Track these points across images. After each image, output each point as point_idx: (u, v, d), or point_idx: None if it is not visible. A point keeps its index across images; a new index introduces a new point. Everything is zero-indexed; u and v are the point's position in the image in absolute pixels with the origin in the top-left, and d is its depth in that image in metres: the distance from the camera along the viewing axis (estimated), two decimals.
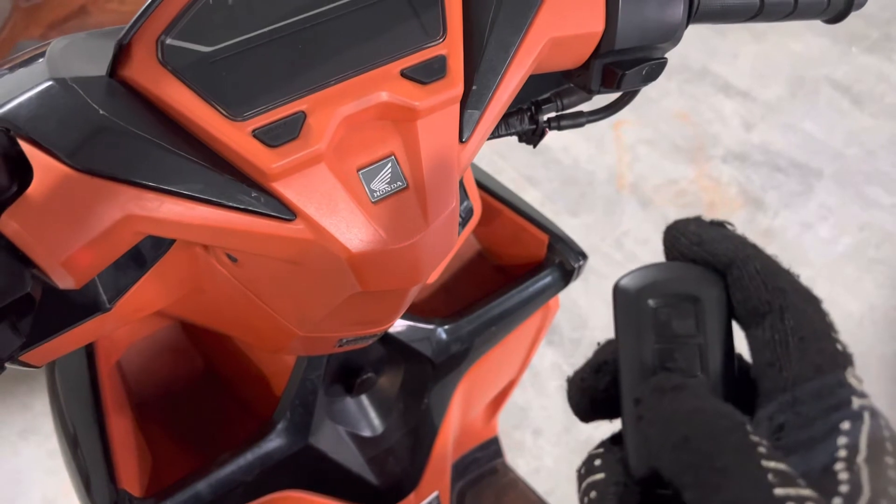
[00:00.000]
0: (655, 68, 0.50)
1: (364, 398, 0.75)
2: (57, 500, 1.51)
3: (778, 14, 0.52)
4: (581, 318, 1.81)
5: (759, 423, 0.28)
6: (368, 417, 0.75)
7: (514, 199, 0.84)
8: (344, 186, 0.40)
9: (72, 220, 0.35)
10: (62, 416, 0.67)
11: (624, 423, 0.31)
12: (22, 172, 0.34)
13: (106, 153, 0.35)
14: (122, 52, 0.37)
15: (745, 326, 0.31)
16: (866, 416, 0.26)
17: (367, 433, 0.75)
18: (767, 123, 2.25)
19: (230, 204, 0.37)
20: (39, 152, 0.34)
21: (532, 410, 1.67)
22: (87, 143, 0.34)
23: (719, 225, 0.33)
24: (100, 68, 0.37)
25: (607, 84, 0.50)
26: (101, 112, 0.35)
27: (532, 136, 0.58)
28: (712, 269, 0.31)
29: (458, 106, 0.43)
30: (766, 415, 0.27)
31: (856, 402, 0.27)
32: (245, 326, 0.56)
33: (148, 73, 0.37)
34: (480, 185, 0.83)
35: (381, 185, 0.41)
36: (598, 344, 0.35)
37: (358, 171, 0.40)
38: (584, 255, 0.80)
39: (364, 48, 0.41)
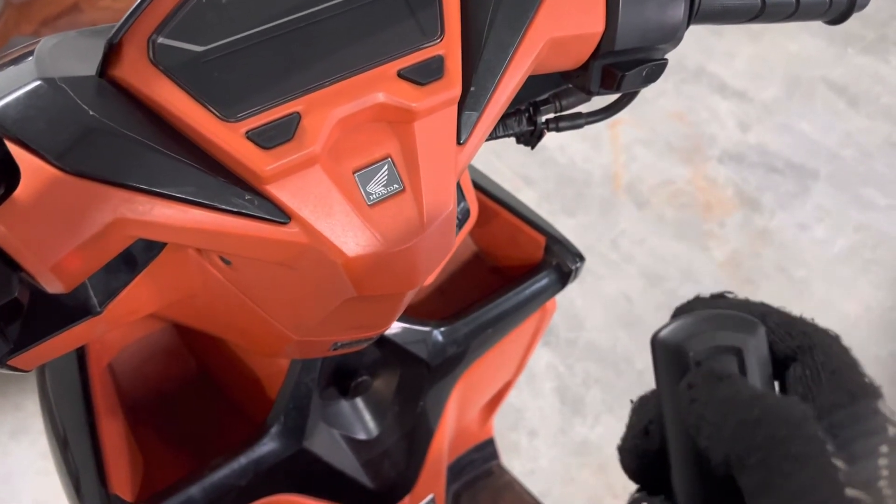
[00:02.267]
0: (655, 69, 0.49)
1: (359, 401, 0.75)
2: (48, 502, 1.49)
3: (779, 15, 0.52)
4: (577, 319, 1.80)
5: None
6: (363, 420, 0.75)
7: (511, 201, 0.83)
8: (339, 189, 0.39)
9: (61, 224, 0.34)
10: (52, 419, 0.67)
11: (673, 470, 0.30)
12: (9, 174, 0.33)
13: (96, 155, 0.34)
14: (112, 52, 0.36)
15: (779, 377, 0.31)
16: None
17: (362, 436, 0.74)
18: (763, 124, 2.25)
19: (223, 207, 0.37)
20: (27, 154, 0.33)
21: (527, 412, 1.66)
22: (77, 145, 0.34)
23: (720, 297, 0.33)
24: (90, 68, 0.36)
25: (607, 85, 0.50)
26: (90, 113, 0.34)
27: (530, 138, 0.57)
28: (749, 315, 0.31)
29: (455, 107, 0.42)
30: None
31: (891, 430, 0.27)
32: (239, 330, 0.55)
33: (139, 73, 0.36)
34: (477, 186, 0.82)
35: (377, 187, 0.40)
36: (632, 402, 0.34)
37: (354, 173, 0.40)
38: (581, 257, 0.80)
39: (360, 48, 0.40)
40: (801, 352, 0.29)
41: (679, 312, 0.33)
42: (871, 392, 0.28)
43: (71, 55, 0.38)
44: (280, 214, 0.38)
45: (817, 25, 0.57)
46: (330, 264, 0.40)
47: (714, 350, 0.30)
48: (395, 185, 0.40)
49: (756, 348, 0.30)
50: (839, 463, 0.25)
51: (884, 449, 0.26)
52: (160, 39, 0.36)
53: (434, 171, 0.41)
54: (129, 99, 0.36)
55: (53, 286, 0.36)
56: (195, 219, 0.36)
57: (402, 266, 0.41)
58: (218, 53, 0.37)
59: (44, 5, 1.80)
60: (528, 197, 2.05)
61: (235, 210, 0.37)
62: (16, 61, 0.37)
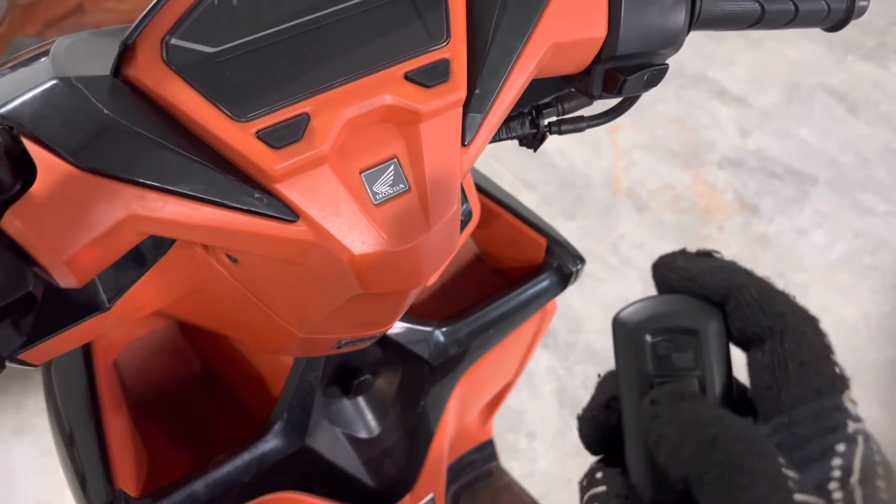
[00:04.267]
0: (656, 74, 0.50)
1: (361, 400, 0.75)
2: (50, 500, 1.50)
3: (779, 22, 0.53)
4: (576, 322, 1.81)
5: None
6: (365, 419, 0.75)
7: (513, 203, 0.84)
8: (346, 188, 0.40)
9: (75, 219, 0.35)
10: (58, 415, 0.67)
11: (627, 447, 0.32)
12: (25, 171, 0.34)
13: (110, 152, 0.35)
14: (126, 52, 0.37)
15: (745, 350, 0.31)
16: (860, 439, 0.27)
17: (363, 435, 0.75)
18: (763, 130, 2.26)
19: (233, 205, 0.37)
20: (43, 151, 0.34)
21: (527, 413, 1.67)
22: (91, 142, 0.34)
23: (707, 255, 0.33)
24: (104, 68, 0.37)
25: (608, 89, 0.51)
26: (105, 111, 0.35)
27: (532, 140, 0.58)
28: (709, 300, 0.32)
29: (460, 109, 0.43)
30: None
31: (851, 426, 0.27)
32: (244, 327, 0.56)
33: (152, 73, 0.37)
34: (479, 188, 0.83)
35: (383, 187, 0.41)
36: (599, 376, 0.35)
37: (360, 173, 0.41)
38: (581, 259, 0.80)
39: (368, 50, 0.41)
40: (772, 336, 0.29)
41: (661, 262, 0.33)
42: (837, 386, 0.28)
43: (85, 55, 0.39)
44: (288, 213, 0.39)
45: (816, 32, 0.58)
46: (336, 262, 0.41)
47: (671, 331, 0.31)
48: (401, 185, 0.41)
49: (714, 332, 0.31)
50: (790, 472, 0.26)
51: (840, 448, 0.26)
52: (173, 40, 0.37)
53: (439, 172, 0.42)
54: (143, 98, 0.37)
55: (67, 280, 0.36)
56: (205, 216, 0.37)
57: (407, 264, 0.42)
58: (229, 55, 0.38)
59: (48, 6, 1.81)
60: (529, 200, 2.06)
61: (245, 208, 0.38)
62: (31, 61, 0.38)
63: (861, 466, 0.26)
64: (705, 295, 0.31)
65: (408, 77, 0.41)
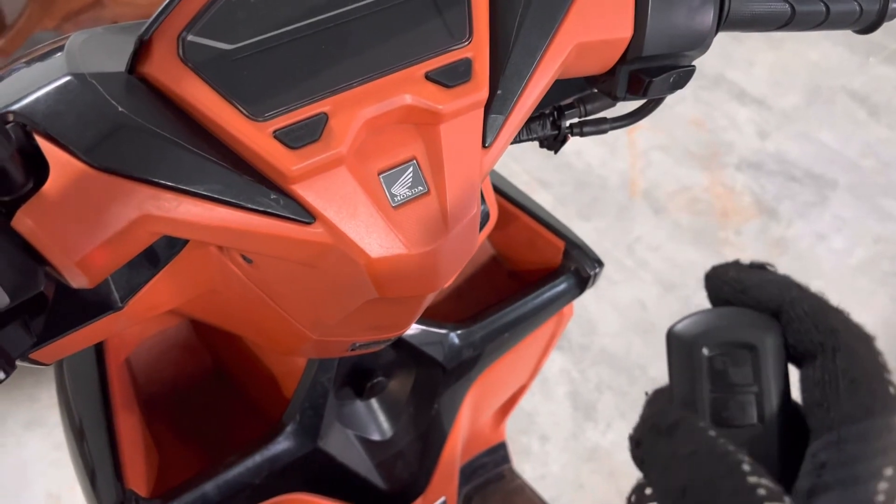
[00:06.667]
0: (683, 76, 0.49)
1: (374, 402, 0.75)
2: (61, 494, 1.50)
3: (809, 23, 0.51)
4: (590, 324, 1.80)
5: (806, 460, 0.27)
6: (378, 421, 0.75)
7: (530, 204, 0.83)
8: (364, 190, 0.39)
9: (87, 219, 0.34)
10: (70, 412, 0.67)
11: None
12: (38, 169, 0.33)
13: (124, 151, 0.34)
14: (142, 48, 0.36)
15: (798, 366, 0.30)
16: None
17: (376, 437, 0.74)
18: (783, 132, 2.24)
19: (249, 206, 0.37)
20: (56, 149, 0.33)
21: (539, 416, 1.66)
22: (105, 141, 0.34)
23: (760, 267, 0.33)
24: (119, 64, 0.36)
25: (633, 91, 0.49)
26: (119, 109, 0.34)
27: (553, 142, 0.57)
28: (766, 313, 0.31)
29: (482, 110, 0.42)
30: (811, 452, 0.27)
31: None
32: (257, 328, 0.55)
33: (168, 70, 0.36)
34: (496, 189, 0.82)
35: (401, 189, 0.40)
36: (647, 394, 0.34)
37: (379, 174, 0.40)
38: (600, 263, 0.79)
39: (389, 49, 0.40)
40: (824, 352, 0.29)
41: (713, 272, 0.33)
42: (890, 406, 0.27)
43: (101, 51, 0.38)
44: (305, 214, 0.38)
45: (839, 34, 0.57)
46: (353, 265, 0.40)
47: (728, 346, 0.31)
48: (420, 188, 0.40)
49: (773, 346, 0.30)
50: (762, 491, 0.25)
51: (888, 472, 0.26)
52: (190, 37, 0.36)
53: (459, 174, 0.41)
54: (158, 96, 0.36)
55: (78, 281, 0.36)
56: (220, 217, 0.36)
57: (425, 268, 0.41)
58: (247, 52, 0.37)
59: (66, 1, 1.81)
60: (544, 200, 2.04)
61: (261, 209, 0.37)
62: (46, 56, 0.37)
63: None
64: (757, 309, 0.31)
65: (429, 77, 0.40)
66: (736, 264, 0.33)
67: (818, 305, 0.30)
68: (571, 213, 2.02)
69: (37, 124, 0.33)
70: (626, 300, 1.84)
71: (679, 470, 0.27)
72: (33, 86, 0.34)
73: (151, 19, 0.35)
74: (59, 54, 0.37)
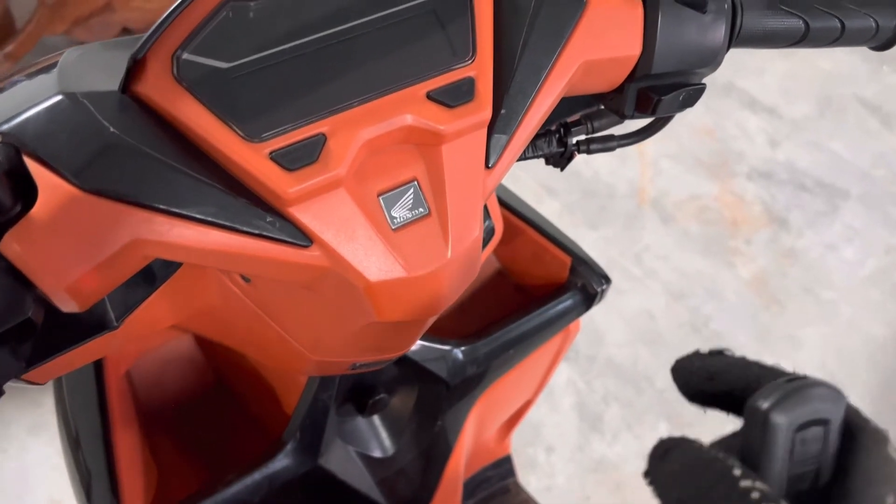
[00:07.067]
0: (693, 94, 0.48)
1: (376, 419, 0.74)
2: (63, 499, 1.50)
3: (823, 40, 0.50)
4: (598, 335, 1.78)
5: None
6: (380, 438, 0.73)
7: (537, 218, 0.82)
8: (363, 212, 0.38)
9: (77, 244, 0.33)
10: (67, 426, 0.66)
11: None
12: (26, 192, 0.32)
13: (115, 173, 0.33)
14: (135, 67, 0.35)
15: None
16: None
17: (377, 454, 0.73)
18: (793, 141, 2.22)
19: (244, 229, 0.36)
20: (45, 170, 0.32)
21: (545, 427, 1.64)
22: (96, 163, 0.33)
23: (719, 353, 0.35)
24: (113, 83, 0.35)
25: (641, 109, 0.48)
26: (111, 129, 0.33)
27: (560, 159, 0.56)
28: (733, 395, 0.33)
29: (485, 130, 0.41)
30: None
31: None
32: (256, 345, 0.55)
33: (162, 90, 0.35)
34: (502, 203, 0.81)
35: (401, 211, 0.39)
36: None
37: (378, 196, 0.39)
38: (607, 279, 0.78)
39: (390, 68, 0.39)
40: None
41: (679, 365, 0.36)
42: (881, 437, 0.30)
43: (95, 69, 0.37)
44: (302, 237, 0.37)
45: None
46: (351, 289, 0.39)
47: (810, 423, 0.31)
48: (421, 209, 0.39)
49: (839, 420, 0.32)
50: (756, 494, 0.27)
51: (890, 500, 0.28)
52: (185, 55, 0.35)
53: (461, 196, 0.40)
54: (152, 116, 0.35)
55: (68, 306, 0.35)
56: (215, 240, 0.35)
57: (426, 292, 0.40)
58: (244, 70, 0.36)
59: (76, 5, 1.81)
60: (551, 208, 2.03)
61: (256, 232, 0.36)
62: (39, 73, 0.36)
63: None
64: (728, 393, 0.33)
65: (430, 96, 0.39)
66: (697, 354, 0.35)
67: (776, 374, 0.33)
68: (579, 221, 2.01)
69: (26, 145, 0.32)
70: (634, 310, 1.82)
71: (675, 483, 0.29)
72: (24, 104, 0.33)
73: (145, 37, 0.34)
74: (52, 71, 0.36)
